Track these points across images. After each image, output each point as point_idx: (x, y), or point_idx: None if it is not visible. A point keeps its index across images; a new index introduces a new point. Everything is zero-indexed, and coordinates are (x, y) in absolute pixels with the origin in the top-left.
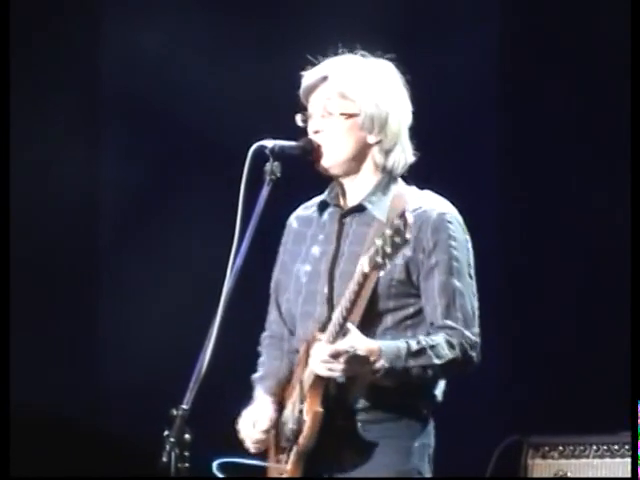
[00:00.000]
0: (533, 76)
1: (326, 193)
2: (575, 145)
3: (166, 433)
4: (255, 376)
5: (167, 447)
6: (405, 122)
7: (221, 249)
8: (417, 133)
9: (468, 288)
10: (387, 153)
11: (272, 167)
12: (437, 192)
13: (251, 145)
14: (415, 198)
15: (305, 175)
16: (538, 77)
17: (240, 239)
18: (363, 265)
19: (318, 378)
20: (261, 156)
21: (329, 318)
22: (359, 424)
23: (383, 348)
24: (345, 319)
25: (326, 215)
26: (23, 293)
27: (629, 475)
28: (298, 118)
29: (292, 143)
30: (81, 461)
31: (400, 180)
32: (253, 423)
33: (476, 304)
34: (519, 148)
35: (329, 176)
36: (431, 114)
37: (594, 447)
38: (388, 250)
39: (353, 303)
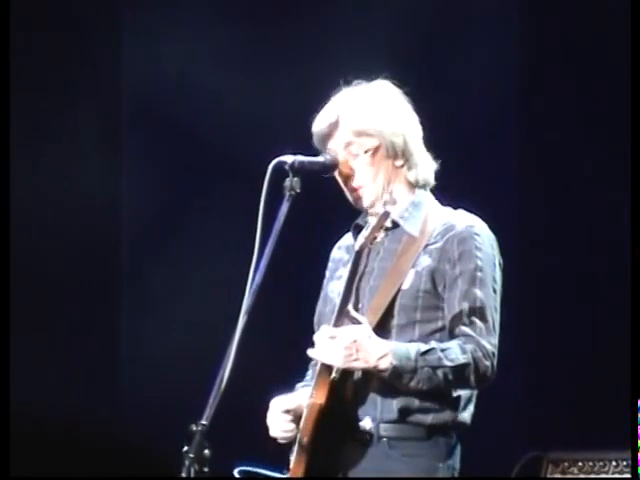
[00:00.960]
0: (552, 82)
1: (361, 217)
2: (597, 151)
3: (185, 449)
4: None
5: (186, 463)
6: (419, 135)
7: (241, 264)
8: (436, 144)
9: (490, 300)
10: (415, 169)
11: (292, 183)
12: (457, 200)
13: (271, 160)
14: (448, 215)
15: (325, 191)
16: (557, 84)
17: (259, 255)
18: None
19: (323, 368)
20: (281, 172)
21: None
22: (384, 440)
23: (393, 346)
24: (346, 304)
25: (360, 232)
26: (43, 307)
27: None
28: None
29: (312, 159)
30: (100, 476)
31: (434, 199)
32: (284, 410)
33: (497, 318)
34: (539, 154)
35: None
36: (450, 123)
37: (614, 463)
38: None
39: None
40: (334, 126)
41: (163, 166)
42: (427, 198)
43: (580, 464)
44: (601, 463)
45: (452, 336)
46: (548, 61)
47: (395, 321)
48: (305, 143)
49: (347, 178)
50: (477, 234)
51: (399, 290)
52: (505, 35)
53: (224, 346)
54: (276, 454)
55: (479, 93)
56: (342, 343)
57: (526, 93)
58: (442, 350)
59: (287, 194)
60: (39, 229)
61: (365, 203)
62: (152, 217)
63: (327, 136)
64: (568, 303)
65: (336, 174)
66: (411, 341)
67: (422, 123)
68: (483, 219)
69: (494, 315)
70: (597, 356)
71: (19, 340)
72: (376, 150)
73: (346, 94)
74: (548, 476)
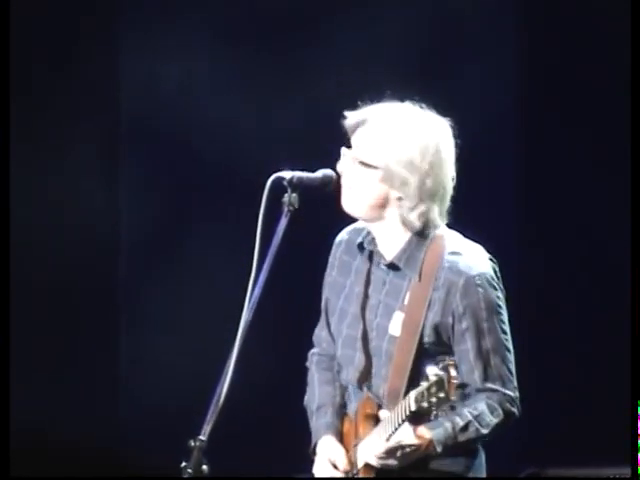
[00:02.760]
0: (553, 101)
1: (363, 234)
2: (597, 170)
3: (184, 464)
4: (311, 404)
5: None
6: (436, 184)
7: (239, 280)
8: None
9: (501, 346)
10: (410, 211)
11: (290, 198)
12: (457, 222)
13: (269, 176)
14: (447, 251)
15: (323, 207)
16: (556, 95)
17: (258, 270)
18: (410, 403)
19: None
20: (279, 187)
21: (366, 369)
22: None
23: (433, 436)
24: (396, 429)
25: (365, 256)
26: (43, 320)
27: None
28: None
29: (310, 174)
30: None
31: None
32: (333, 465)
33: (511, 357)
34: (538, 161)
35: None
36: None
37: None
38: (433, 400)
39: (399, 422)
40: (361, 124)
41: (161, 181)
42: (426, 235)
43: None
44: None
45: (470, 388)
46: (547, 71)
47: (410, 370)
48: (303, 159)
49: (341, 174)
50: (478, 284)
51: (419, 343)
52: (504, 47)
53: (223, 361)
54: (275, 467)
55: (479, 104)
56: (397, 454)
57: (525, 103)
58: (475, 417)
59: (285, 209)
60: (38, 243)
61: (342, 205)
62: (151, 232)
63: (352, 128)
64: (562, 321)
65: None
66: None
67: None
68: (482, 225)
69: (508, 357)
70: (595, 372)
71: (18, 354)
72: (371, 168)
73: (391, 108)
74: None
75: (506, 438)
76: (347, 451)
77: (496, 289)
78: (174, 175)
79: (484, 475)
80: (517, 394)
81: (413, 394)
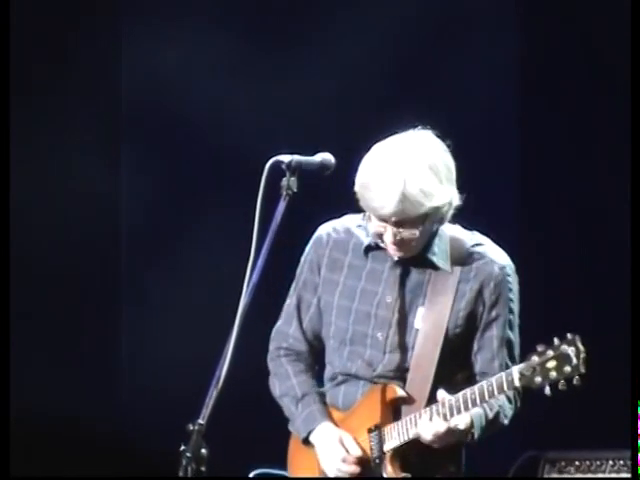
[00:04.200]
0: (553, 98)
1: (370, 236)
2: (598, 169)
3: (182, 448)
4: (291, 392)
5: (183, 462)
6: (452, 182)
7: (238, 264)
8: None
9: (517, 337)
10: (447, 213)
11: (289, 182)
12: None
13: (268, 160)
14: (469, 243)
15: (322, 190)
16: (558, 99)
17: (257, 254)
18: (514, 377)
19: (410, 443)
20: (278, 171)
21: (383, 364)
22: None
23: (474, 420)
24: (467, 409)
25: (371, 254)
26: (43, 310)
27: None
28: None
29: (309, 158)
30: (98, 474)
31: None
32: (342, 459)
33: (518, 350)
34: (540, 170)
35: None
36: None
37: (610, 462)
38: (553, 375)
39: (485, 400)
40: (394, 214)
41: (161, 167)
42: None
43: (577, 463)
44: (598, 462)
45: (486, 376)
46: (548, 72)
47: (437, 363)
48: (302, 143)
49: (401, 238)
50: (509, 275)
51: (445, 335)
52: (505, 46)
53: (221, 345)
54: (273, 452)
55: (479, 102)
56: (449, 438)
57: (528, 111)
58: (500, 407)
59: (284, 193)
60: (38, 229)
61: (405, 257)
62: (151, 217)
63: (392, 212)
64: (566, 301)
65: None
66: (440, 378)
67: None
68: (483, 223)
69: (519, 352)
70: (594, 355)
71: (18, 341)
72: (424, 224)
73: (399, 166)
74: (545, 476)
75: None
76: (355, 438)
77: (517, 281)
78: (174, 161)
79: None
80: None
81: (517, 369)
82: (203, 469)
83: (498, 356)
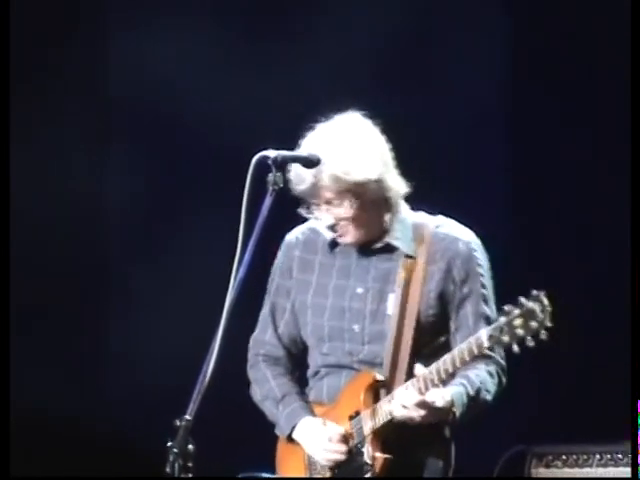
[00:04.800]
0: (541, 94)
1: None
2: (591, 163)
3: (169, 444)
4: (271, 395)
5: (170, 458)
6: (391, 165)
7: (225, 260)
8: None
9: (494, 312)
10: (393, 197)
11: (275, 177)
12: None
13: (254, 155)
14: (433, 225)
15: None
16: (546, 96)
17: (243, 250)
18: (482, 339)
19: (388, 424)
20: (264, 166)
21: (364, 354)
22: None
23: (455, 398)
24: (442, 380)
25: (338, 249)
26: (31, 305)
27: None
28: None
29: (295, 153)
30: (85, 471)
31: (407, 207)
32: (328, 439)
33: None
34: (531, 168)
35: None
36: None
37: (597, 456)
38: (519, 332)
39: (457, 367)
40: (314, 188)
41: (147, 164)
42: (404, 209)
43: (564, 457)
44: (585, 456)
45: None
46: (535, 76)
47: (412, 345)
48: (288, 139)
49: (334, 225)
50: (475, 250)
51: (417, 318)
52: (498, 57)
53: (208, 341)
54: (261, 447)
55: (467, 101)
56: (426, 409)
57: (519, 108)
58: (482, 383)
59: (270, 189)
60: (27, 224)
61: (351, 242)
62: (138, 212)
63: (310, 195)
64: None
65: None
66: (420, 358)
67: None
68: (478, 222)
69: None
70: (581, 350)
71: (3, 338)
72: (355, 200)
73: (319, 145)
74: (532, 470)
75: (493, 416)
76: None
77: (486, 257)
78: (160, 158)
79: (452, 464)
80: (505, 364)
81: (485, 331)
82: (190, 465)
83: (475, 332)
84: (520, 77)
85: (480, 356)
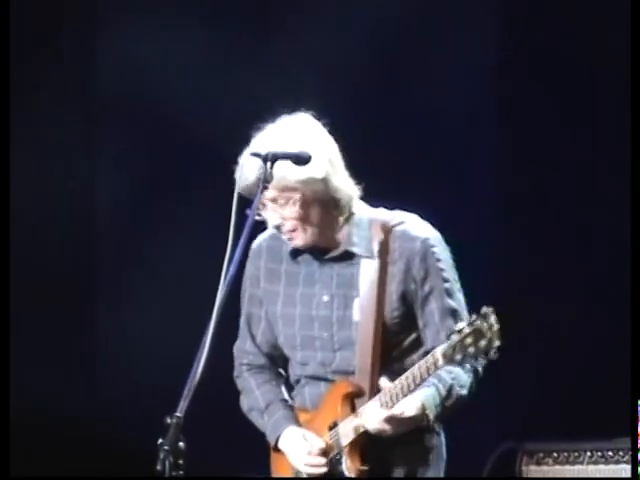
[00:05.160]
0: (532, 93)
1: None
2: (577, 162)
3: (160, 441)
4: (256, 405)
5: (161, 455)
6: (339, 163)
7: (215, 257)
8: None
9: (461, 303)
10: (340, 200)
11: (265, 175)
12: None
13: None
14: (390, 223)
15: None
16: (537, 94)
17: (233, 247)
18: (437, 357)
19: (364, 435)
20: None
21: (337, 363)
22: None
23: (425, 404)
24: (405, 395)
25: (301, 257)
26: (23, 303)
27: None
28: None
29: (285, 151)
30: (76, 468)
31: (363, 204)
32: (308, 452)
33: (466, 313)
34: (520, 164)
35: None
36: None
37: (588, 453)
38: (471, 351)
39: (418, 384)
40: (256, 186)
41: (136, 160)
42: (360, 208)
43: (555, 455)
44: (576, 454)
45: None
46: (530, 76)
47: (382, 349)
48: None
49: (280, 225)
50: (433, 246)
51: (383, 322)
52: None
53: (199, 338)
54: (252, 445)
55: (459, 107)
56: (397, 422)
57: (508, 106)
58: (454, 379)
59: (261, 186)
60: (15, 226)
61: (300, 244)
62: (127, 209)
63: (253, 193)
64: (544, 293)
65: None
66: (392, 360)
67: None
68: (467, 220)
69: (467, 314)
70: (572, 347)
71: (3, 338)
72: (301, 199)
73: (264, 143)
74: (523, 467)
75: (483, 413)
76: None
77: (446, 248)
78: (150, 153)
79: (444, 457)
80: None
81: (439, 350)
82: (181, 462)
83: (443, 328)
84: (514, 75)
85: None
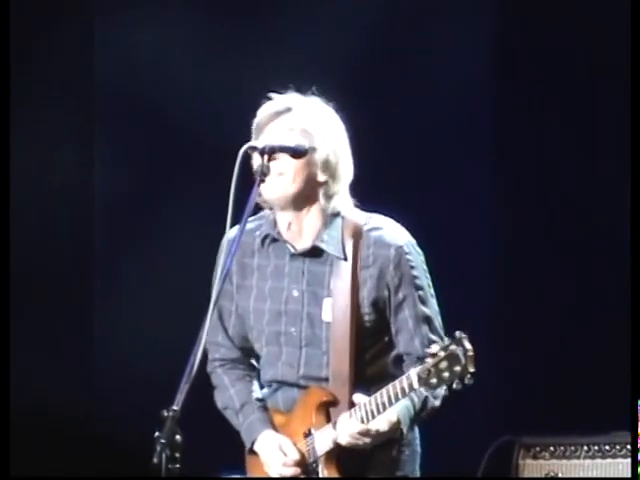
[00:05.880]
0: (530, 88)
1: (265, 225)
2: (576, 160)
3: (157, 434)
4: (230, 404)
5: (158, 448)
6: (349, 175)
7: (212, 250)
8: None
9: (434, 309)
10: (330, 197)
11: (262, 168)
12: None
13: (242, 145)
14: (365, 228)
15: None
16: (535, 92)
17: (230, 241)
18: (412, 380)
19: (338, 446)
20: (251, 157)
21: (304, 362)
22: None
23: (401, 417)
24: (380, 413)
25: (271, 248)
26: (20, 297)
27: (621, 475)
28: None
29: (282, 144)
30: (72, 461)
31: (342, 205)
32: (283, 463)
33: (440, 318)
34: (517, 164)
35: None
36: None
37: (585, 447)
38: (445, 376)
39: (393, 403)
40: (285, 111)
41: (134, 153)
42: (338, 205)
43: (552, 449)
44: (572, 448)
45: (411, 357)
46: (526, 72)
47: (353, 353)
48: None
49: (268, 162)
50: (407, 253)
51: (356, 325)
52: (480, 53)
53: (195, 331)
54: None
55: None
56: (371, 436)
57: (504, 104)
58: (428, 391)
59: (258, 179)
60: (13, 220)
61: (273, 194)
62: (123, 203)
63: (273, 116)
64: (542, 288)
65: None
66: (364, 364)
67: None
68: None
69: (439, 320)
70: (568, 341)
71: (3, 336)
72: (297, 161)
73: (310, 98)
74: (520, 461)
75: (480, 407)
76: (295, 443)
77: (420, 254)
78: (148, 147)
79: (419, 451)
80: None
81: (415, 372)
82: (177, 455)
83: (417, 334)
84: (507, 76)
85: (424, 356)
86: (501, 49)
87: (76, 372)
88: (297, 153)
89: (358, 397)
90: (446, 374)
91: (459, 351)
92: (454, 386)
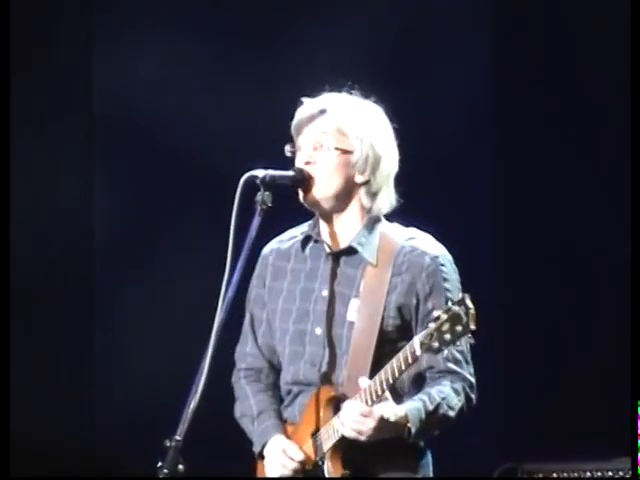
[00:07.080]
0: (532, 94)
1: (309, 227)
2: (574, 170)
3: (159, 464)
4: (248, 412)
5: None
6: (394, 168)
7: (213, 279)
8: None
9: None
10: (373, 195)
11: (263, 197)
12: (433, 221)
13: (242, 175)
14: (402, 238)
15: (296, 205)
16: (537, 96)
17: (231, 269)
18: (415, 347)
19: (345, 439)
20: (252, 186)
21: (326, 362)
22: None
23: (409, 414)
24: (384, 390)
25: (308, 250)
26: (20, 321)
27: None
28: (287, 148)
29: (283, 173)
30: None
31: (383, 218)
32: (282, 465)
33: (469, 341)
34: (516, 173)
35: (313, 210)
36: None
37: (588, 474)
38: (447, 337)
39: (396, 377)
40: (319, 114)
41: (135, 180)
42: (378, 216)
43: (555, 475)
44: (576, 474)
45: (433, 371)
46: (521, 80)
47: (372, 357)
48: (276, 158)
49: (305, 166)
50: (442, 264)
51: (379, 330)
52: (480, 63)
53: (198, 360)
54: (250, 467)
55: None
56: (375, 423)
57: (504, 113)
58: (443, 399)
59: (258, 208)
60: (12, 244)
61: (311, 197)
62: (125, 230)
63: (309, 120)
64: (542, 311)
65: (297, 160)
66: (379, 371)
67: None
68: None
69: (467, 344)
70: (571, 367)
71: (3, 343)
72: (346, 153)
73: (345, 95)
74: None
75: (483, 433)
76: (301, 446)
77: (455, 271)
78: (148, 174)
79: (431, 474)
80: (474, 381)
81: (417, 339)
82: None
83: None
84: (507, 79)
85: (447, 372)
86: (501, 49)
87: (77, 403)
88: (297, 182)
89: (363, 381)
90: (448, 336)
91: (461, 310)
92: (457, 345)
